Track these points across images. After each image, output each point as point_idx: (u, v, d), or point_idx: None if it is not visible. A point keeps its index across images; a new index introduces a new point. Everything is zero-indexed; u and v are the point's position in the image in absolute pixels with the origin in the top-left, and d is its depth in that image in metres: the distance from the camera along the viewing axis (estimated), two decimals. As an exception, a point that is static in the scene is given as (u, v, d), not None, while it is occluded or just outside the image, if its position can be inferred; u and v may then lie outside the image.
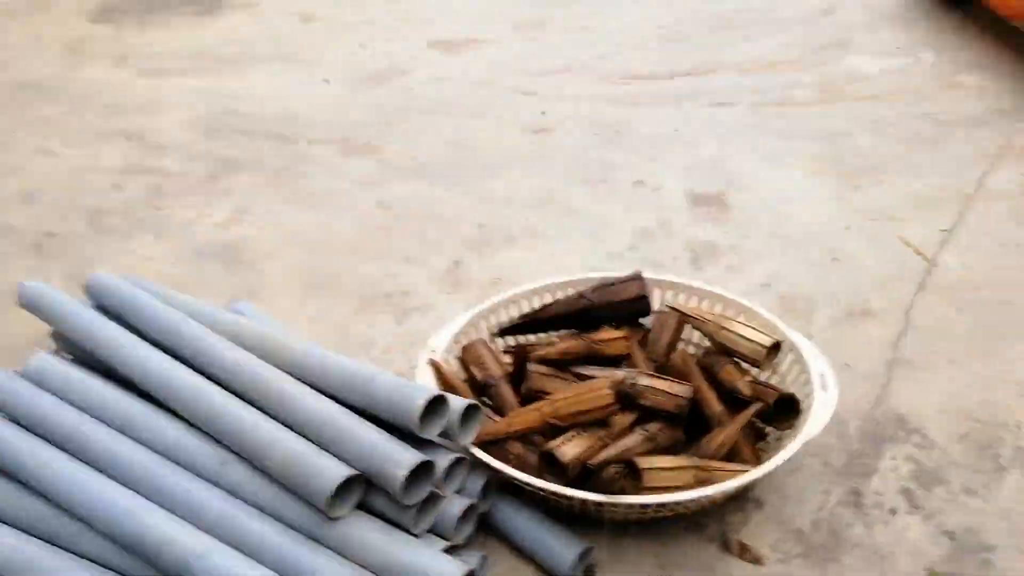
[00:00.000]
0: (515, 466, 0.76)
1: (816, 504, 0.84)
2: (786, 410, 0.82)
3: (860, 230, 1.29)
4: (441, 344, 0.90)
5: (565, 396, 0.79)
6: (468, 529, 0.75)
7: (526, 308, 0.99)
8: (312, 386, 0.76)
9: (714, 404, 0.82)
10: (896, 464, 0.87)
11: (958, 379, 0.98)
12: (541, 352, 0.87)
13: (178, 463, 0.73)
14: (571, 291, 0.99)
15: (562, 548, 0.75)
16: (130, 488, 0.70)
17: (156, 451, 0.74)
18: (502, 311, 0.98)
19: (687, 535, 0.81)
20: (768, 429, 0.88)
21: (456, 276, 1.26)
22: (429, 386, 0.70)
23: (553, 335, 0.97)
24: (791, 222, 1.33)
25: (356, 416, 0.72)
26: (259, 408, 0.74)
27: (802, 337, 0.88)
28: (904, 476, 0.86)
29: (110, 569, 0.69)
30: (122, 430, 0.75)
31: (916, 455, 0.88)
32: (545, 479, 0.74)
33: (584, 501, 0.74)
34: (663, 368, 0.87)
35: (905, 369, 1.00)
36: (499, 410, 0.85)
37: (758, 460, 0.81)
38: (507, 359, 0.93)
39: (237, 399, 0.75)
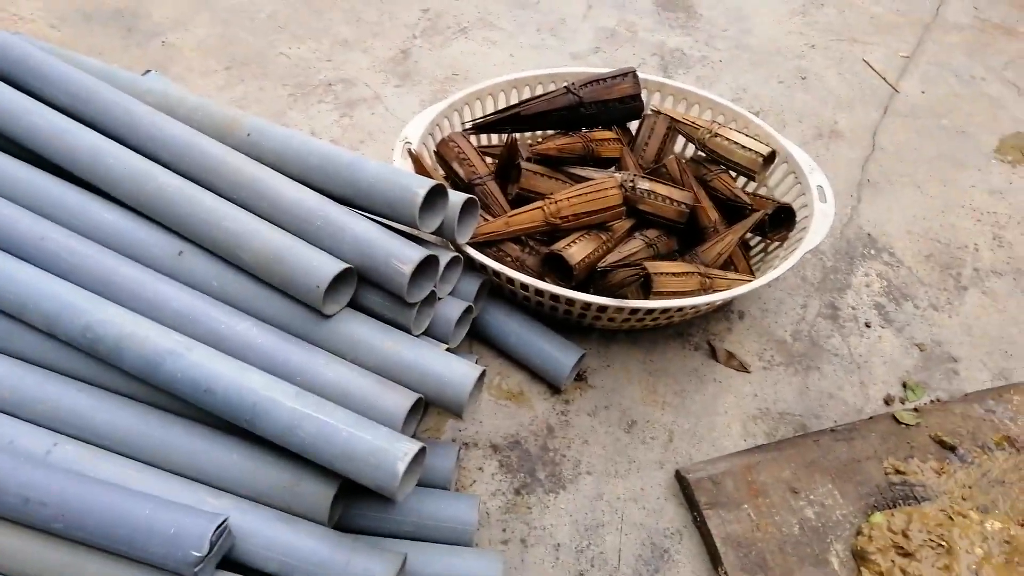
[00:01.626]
0: (514, 268, 0.69)
1: (795, 316, 0.84)
2: (781, 221, 0.79)
3: (825, 50, 1.24)
4: (415, 135, 0.78)
5: (570, 195, 0.71)
6: (463, 333, 0.69)
7: (503, 103, 0.88)
8: (280, 171, 0.64)
9: (711, 213, 0.78)
10: (868, 280, 0.89)
11: (921, 202, 0.99)
12: (535, 148, 0.78)
13: (121, 253, 0.60)
14: (553, 85, 0.88)
15: (560, 354, 0.71)
16: (68, 280, 0.57)
17: (91, 239, 0.60)
18: (476, 104, 0.87)
19: (674, 343, 0.79)
20: (751, 241, 0.86)
21: (405, 67, 1.11)
22: (423, 179, 0.60)
23: (536, 136, 0.88)
24: (757, 35, 1.26)
25: (343, 206, 0.61)
26: (223, 195, 0.61)
27: (797, 147, 0.84)
28: (876, 292, 0.87)
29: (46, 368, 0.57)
30: (46, 214, 0.60)
31: (886, 272, 0.90)
32: (547, 283, 0.68)
33: (585, 306, 0.69)
34: (655, 174, 0.81)
35: (872, 190, 1.00)
36: (486, 211, 0.76)
37: (751, 271, 0.79)
38: (488, 159, 0.83)
39: (193, 182, 0.62)
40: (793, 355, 0.80)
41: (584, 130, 0.83)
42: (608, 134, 0.82)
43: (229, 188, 0.62)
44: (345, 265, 0.57)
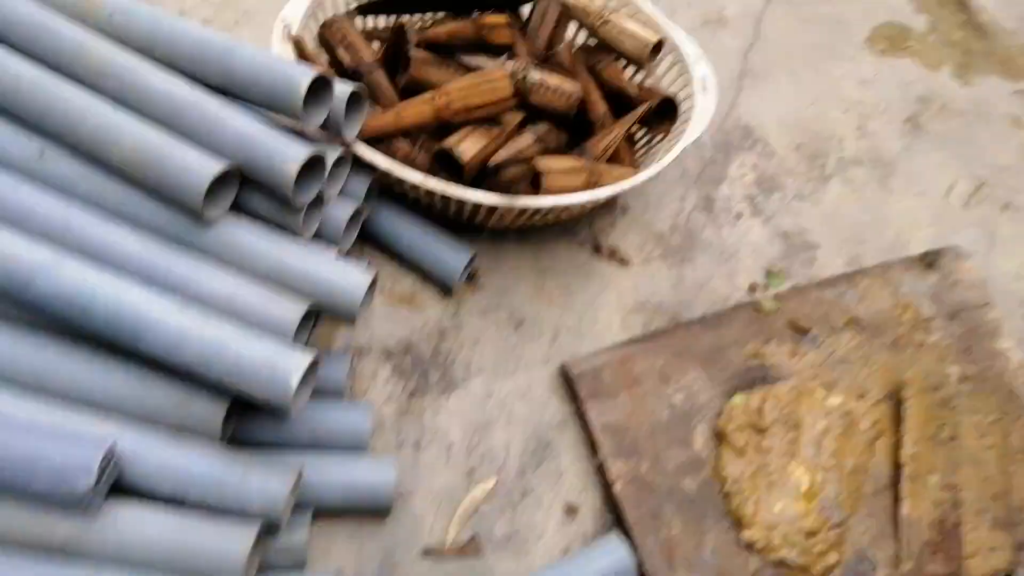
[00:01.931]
0: (403, 166, 0.68)
1: (674, 209, 0.88)
2: (665, 113, 0.81)
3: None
4: (295, 17, 0.73)
5: (460, 86, 0.69)
6: (353, 236, 0.68)
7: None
8: (148, 57, 0.58)
9: (599, 105, 0.78)
10: (743, 172, 0.93)
11: (796, 92, 1.03)
12: (423, 35, 0.74)
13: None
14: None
15: (451, 255, 0.72)
16: None
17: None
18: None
19: (561, 240, 0.81)
20: (636, 132, 0.87)
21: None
22: (307, 69, 0.56)
23: (424, 17, 0.83)
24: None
25: (220, 97, 0.57)
26: (86, 86, 0.56)
27: (686, 35, 0.84)
28: (748, 184, 0.92)
29: None
30: None
31: (759, 163, 0.94)
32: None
33: (475, 206, 0.69)
34: (547, 63, 0.79)
35: (752, 80, 1.03)
36: (374, 102, 0.73)
37: (635, 164, 0.81)
38: (374, 46, 0.79)
39: (50, 73, 0.56)
40: (670, 248, 0.84)
41: (476, 14, 0.80)
42: (500, 19, 0.78)
43: (92, 78, 0.57)
44: (225, 163, 0.54)
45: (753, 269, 0.84)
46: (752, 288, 0.82)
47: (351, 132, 0.64)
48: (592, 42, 0.85)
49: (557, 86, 0.72)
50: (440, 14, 0.82)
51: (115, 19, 0.59)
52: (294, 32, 0.70)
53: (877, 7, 1.17)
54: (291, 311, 0.55)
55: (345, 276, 0.57)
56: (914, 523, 0.68)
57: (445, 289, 0.75)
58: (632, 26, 0.78)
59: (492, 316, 0.75)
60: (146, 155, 0.53)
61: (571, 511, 0.67)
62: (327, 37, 0.73)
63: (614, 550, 0.62)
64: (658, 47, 0.81)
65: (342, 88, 0.60)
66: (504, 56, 0.79)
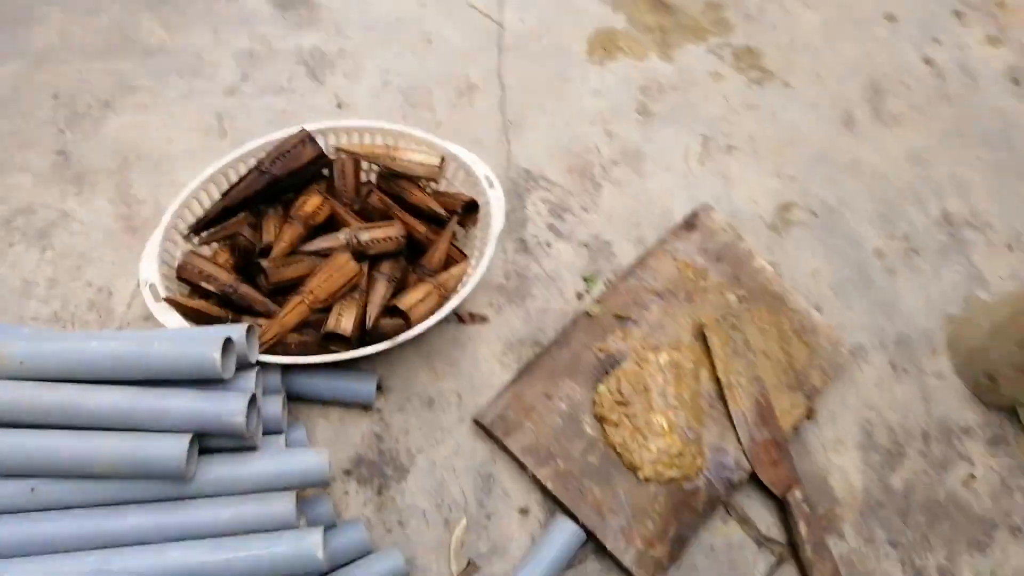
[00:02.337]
0: (301, 352, 0.87)
1: (502, 262, 1.11)
2: (469, 211, 1.04)
3: (436, 5, 1.44)
4: (154, 275, 0.88)
5: (319, 281, 0.88)
6: (285, 415, 0.87)
7: (207, 202, 0.98)
8: (76, 382, 0.73)
9: (420, 228, 1.00)
10: (537, 209, 1.18)
11: (549, 124, 1.29)
12: (273, 254, 0.92)
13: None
14: (243, 167, 1.00)
15: (361, 385, 0.93)
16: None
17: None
18: (187, 212, 0.96)
19: (434, 327, 1.03)
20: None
21: (72, 170, 1.13)
22: (211, 334, 0.73)
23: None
24: (376, 8, 1.41)
25: (154, 389, 0.74)
26: (46, 425, 0.71)
27: (461, 148, 1.06)
28: (545, 216, 1.17)
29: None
30: None
31: (547, 196, 1.19)
32: (332, 352, 0.87)
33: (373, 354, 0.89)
34: (364, 212, 1.00)
35: (515, 129, 1.27)
36: (251, 313, 0.91)
37: (464, 256, 1.03)
38: (223, 256, 0.95)
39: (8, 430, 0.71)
40: (511, 293, 1.08)
41: (287, 205, 0.98)
42: (315, 200, 0.97)
43: (48, 419, 0.72)
44: (187, 437, 0.72)
45: (574, 281, 1.10)
46: (579, 296, 1.08)
47: (255, 355, 0.82)
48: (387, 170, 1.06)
49: (385, 235, 0.93)
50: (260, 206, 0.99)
51: (26, 365, 0.73)
52: (161, 292, 0.86)
53: (583, 20, 1.45)
54: (284, 507, 0.74)
55: (307, 462, 0.77)
56: (741, 413, 0.98)
57: (366, 407, 0.95)
58: (416, 156, 1.00)
59: (408, 407, 0.97)
60: (123, 457, 0.70)
61: (524, 512, 0.91)
62: (187, 278, 0.90)
63: (563, 526, 0.87)
64: (442, 163, 1.02)
65: (239, 332, 0.78)
66: (338, 232, 0.97)
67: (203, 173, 0.97)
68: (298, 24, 1.36)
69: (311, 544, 0.71)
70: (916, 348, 1.13)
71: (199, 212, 0.96)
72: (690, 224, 1.14)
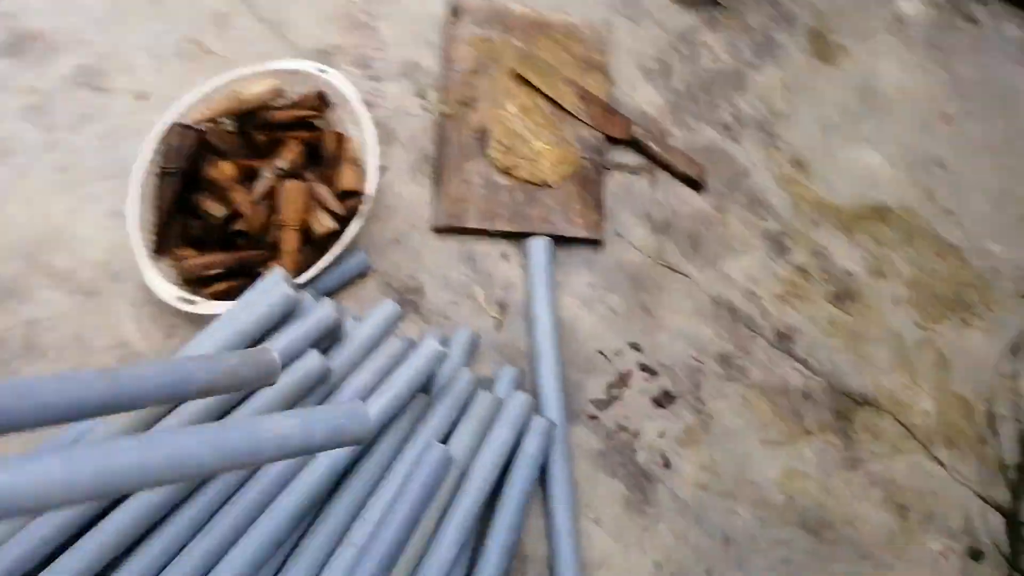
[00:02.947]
0: (306, 267, 1.11)
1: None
2: (324, 102, 1.25)
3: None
4: (171, 291, 1.05)
5: (290, 212, 1.06)
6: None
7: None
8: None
9: (304, 134, 1.21)
10: (350, 73, 1.40)
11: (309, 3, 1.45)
12: (246, 213, 1.08)
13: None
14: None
15: (357, 261, 1.19)
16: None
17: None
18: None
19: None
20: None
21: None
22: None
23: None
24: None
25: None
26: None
27: (276, 63, 1.24)
28: (357, 73, 1.40)
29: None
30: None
31: (347, 59, 1.41)
32: (320, 253, 1.12)
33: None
34: (258, 151, 1.18)
35: (279, 24, 1.44)
36: (253, 266, 1.10)
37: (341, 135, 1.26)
38: (189, 251, 1.12)
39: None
40: (383, 138, 1.34)
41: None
42: (226, 166, 1.13)
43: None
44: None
45: (418, 102, 1.37)
46: (424, 109, 1.36)
47: (298, 292, 1.05)
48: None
49: (293, 153, 1.14)
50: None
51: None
52: (194, 297, 1.04)
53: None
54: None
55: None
56: (574, 106, 1.36)
57: (363, 274, 1.23)
58: (256, 87, 1.18)
59: (386, 250, 1.25)
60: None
61: (505, 257, 1.27)
62: (194, 276, 1.06)
63: (535, 243, 1.24)
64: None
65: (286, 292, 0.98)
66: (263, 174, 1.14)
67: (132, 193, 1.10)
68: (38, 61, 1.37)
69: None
70: (636, -3, 1.54)
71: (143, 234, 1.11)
72: (456, 11, 1.42)
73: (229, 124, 1.17)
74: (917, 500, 1.29)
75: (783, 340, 1.35)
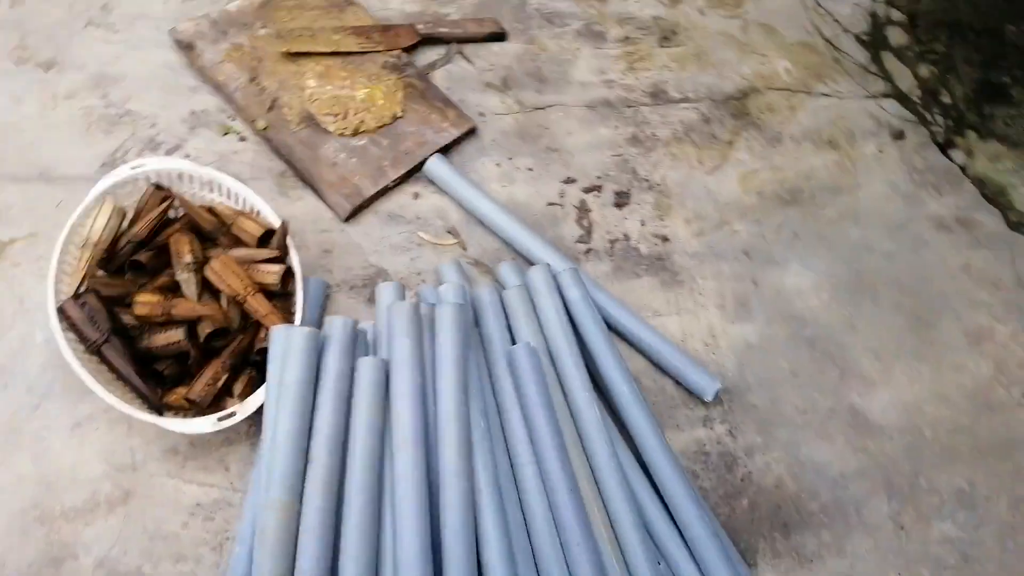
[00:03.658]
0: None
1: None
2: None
3: None
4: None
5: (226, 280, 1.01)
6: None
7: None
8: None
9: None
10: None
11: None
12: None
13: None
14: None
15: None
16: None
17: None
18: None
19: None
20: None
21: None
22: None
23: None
24: None
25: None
26: None
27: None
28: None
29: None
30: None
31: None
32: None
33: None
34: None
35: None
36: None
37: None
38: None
39: None
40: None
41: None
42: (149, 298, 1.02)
43: None
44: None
45: (219, 138, 1.29)
46: (227, 133, 1.29)
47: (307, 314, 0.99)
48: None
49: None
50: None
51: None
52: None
53: None
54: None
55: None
56: (364, 40, 1.34)
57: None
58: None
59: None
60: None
61: (416, 196, 1.25)
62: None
63: (434, 162, 1.24)
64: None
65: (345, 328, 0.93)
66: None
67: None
68: None
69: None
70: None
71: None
72: (188, 45, 1.33)
73: (102, 272, 1.04)
74: (836, 131, 1.46)
75: (658, 96, 1.45)
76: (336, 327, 0.95)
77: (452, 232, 1.22)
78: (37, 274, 1.09)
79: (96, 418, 1.00)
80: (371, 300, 1.14)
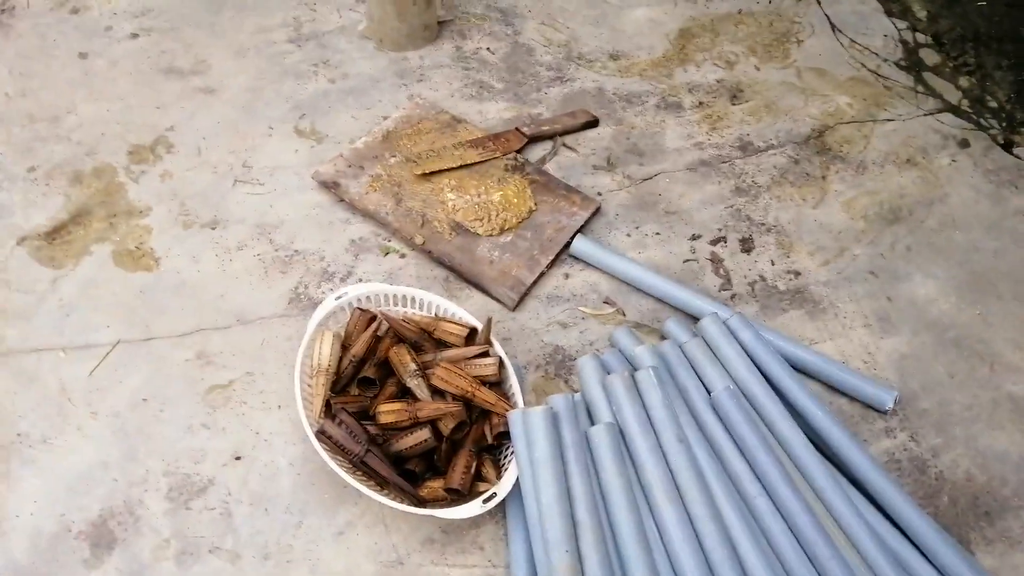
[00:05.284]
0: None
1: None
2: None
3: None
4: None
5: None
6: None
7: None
8: None
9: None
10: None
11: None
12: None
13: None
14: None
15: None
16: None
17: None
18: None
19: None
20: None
21: None
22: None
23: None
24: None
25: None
26: None
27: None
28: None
29: None
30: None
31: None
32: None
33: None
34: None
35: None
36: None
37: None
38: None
39: None
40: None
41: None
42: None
43: None
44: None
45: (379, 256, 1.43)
46: (387, 252, 1.43)
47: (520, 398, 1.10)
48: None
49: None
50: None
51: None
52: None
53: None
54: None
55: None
56: (482, 150, 1.50)
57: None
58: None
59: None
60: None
61: (567, 276, 1.38)
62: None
63: (578, 240, 1.38)
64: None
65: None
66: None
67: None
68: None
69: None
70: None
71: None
72: (332, 184, 1.49)
73: (332, 393, 1.15)
74: (910, 150, 1.61)
75: (746, 148, 1.60)
76: (560, 403, 1.06)
77: (608, 302, 1.35)
78: (262, 407, 1.21)
79: (354, 524, 1.10)
80: (557, 375, 1.25)
